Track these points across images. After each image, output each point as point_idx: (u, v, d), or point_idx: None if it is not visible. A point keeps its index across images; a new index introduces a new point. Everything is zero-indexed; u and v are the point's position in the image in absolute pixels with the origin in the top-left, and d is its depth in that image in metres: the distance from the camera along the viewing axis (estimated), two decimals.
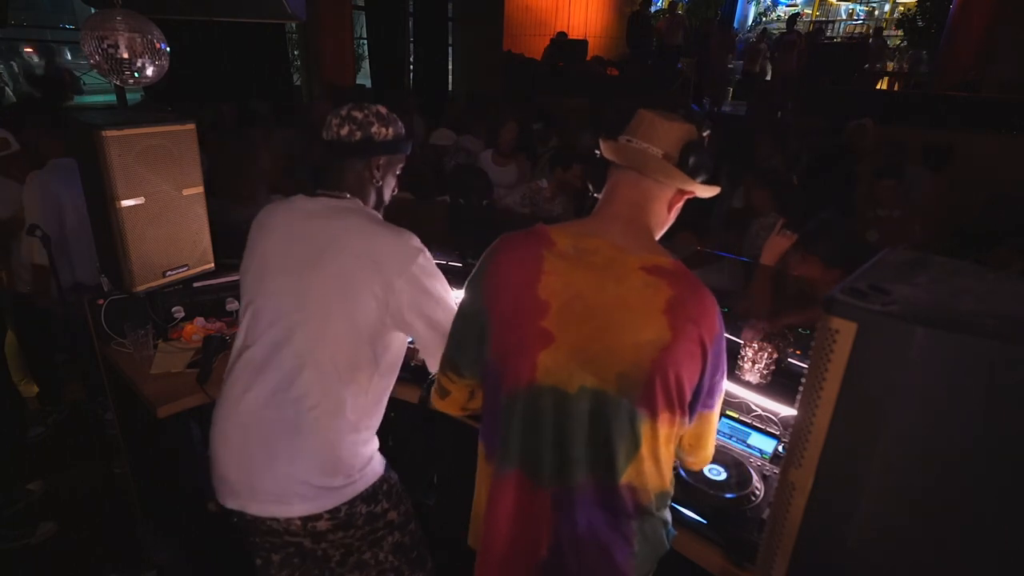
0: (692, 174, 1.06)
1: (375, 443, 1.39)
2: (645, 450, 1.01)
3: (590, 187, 1.19)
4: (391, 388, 1.39)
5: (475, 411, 1.23)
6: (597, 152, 1.14)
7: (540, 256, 1.04)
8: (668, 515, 1.14)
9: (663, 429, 1.01)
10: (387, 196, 1.45)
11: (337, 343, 1.24)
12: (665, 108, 1.10)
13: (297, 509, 1.25)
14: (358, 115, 1.33)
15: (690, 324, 0.97)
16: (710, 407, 1.09)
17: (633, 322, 0.98)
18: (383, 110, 1.38)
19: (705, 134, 1.08)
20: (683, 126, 1.06)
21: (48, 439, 3.04)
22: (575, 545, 1.05)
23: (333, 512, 1.28)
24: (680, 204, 1.12)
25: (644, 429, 1.00)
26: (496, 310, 1.06)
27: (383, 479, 1.37)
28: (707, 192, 1.11)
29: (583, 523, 1.04)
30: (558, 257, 1.04)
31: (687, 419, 1.06)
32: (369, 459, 1.34)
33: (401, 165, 1.45)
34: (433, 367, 1.32)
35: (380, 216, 1.39)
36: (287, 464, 1.24)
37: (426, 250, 1.29)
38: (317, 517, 1.27)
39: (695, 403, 1.05)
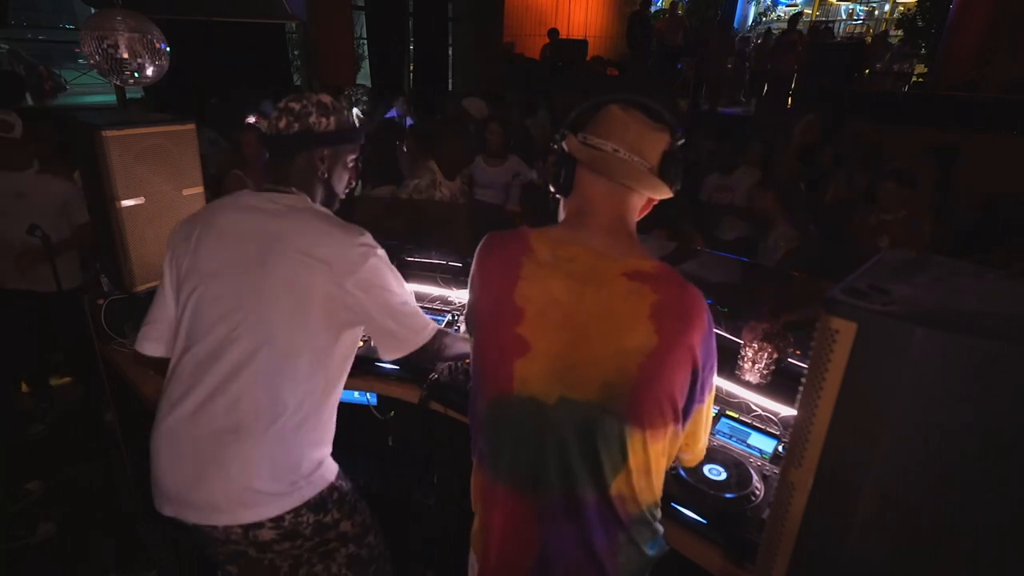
0: (672, 184, 1.04)
1: (325, 448, 1.33)
2: (634, 463, 0.98)
3: (551, 188, 1.11)
4: (341, 388, 1.35)
5: None
6: (556, 146, 1.08)
7: (519, 262, 1.02)
8: (660, 526, 1.10)
9: (655, 443, 0.98)
10: (339, 189, 1.40)
11: (282, 344, 1.20)
12: (640, 106, 1.03)
13: (237, 516, 1.19)
14: (295, 106, 1.29)
15: (678, 328, 0.95)
16: (701, 401, 1.06)
17: (617, 329, 0.95)
18: (326, 99, 1.32)
19: (679, 142, 1.05)
20: (664, 135, 1.03)
21: (48, 438, 3.04)
22: (562, 558, 1.03)
23: (276, 520, 1.21)
24: (650, 207, 1.10)
25: (633, 442, 0.97)
26: (479, 312, 1.07)
27: (333, 487, 1.30)
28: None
29: (570, 536, 1.02)
30: (536, 264, 1.02)
31: (680, 425, 1.02)
32: (317, 464, 1.28)
33: (353, 156, 1.39)
34: (387, 354, 1.32)
35: (330, 212, 1.34)
36: (226, 469, 1.17)
37: (378, 247, 1.26)
38: (259, 525, 1.20)
39: (689, 407, 1.03)
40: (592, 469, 0.98)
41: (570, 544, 1.03)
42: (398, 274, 1.30)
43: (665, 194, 1.05)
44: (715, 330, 1.04)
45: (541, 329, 0.99)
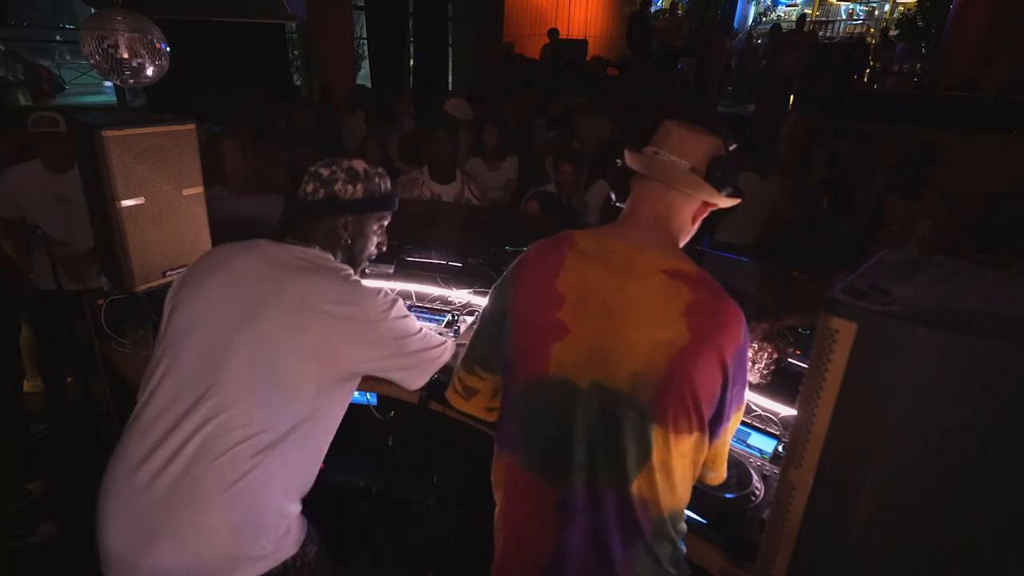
0: (719, 187, 1.06)
1: (295, 509, 1.23)
2: (656, 460, 0.98)
3: (612, 196, 1.19)
4: (327, 444, 1.28)
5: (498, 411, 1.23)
6: (619, 161, 1.14)
7: (563, 254, 1.07)
8: (683, 546, 1.08)
9: (678, 442, 0.98)
10: (364, 253, 1.38)
11: (278, 403, 1.13)
12: (690, 118, 1.10)
13: None
14: (324, 172, 1.28)
15: (711, 331, 0.96)
16: (728, 419, 1.06)
17: (650, 321, 0.97)
18: (358, 166, 1.30)
19: (732, 147, 1.08)
20: (710, 139, 1.06)
21: (49, 437, 3.04)
22: (578, 557, 1.03)
23: None
24: (704, 215, 1.12)
25: (656, 437, 0.97)
26: (517, 303, 1.09)
27: (297, 556, 1.20)
28: (730, 203, 1.11)
29: (587, 532, 1.02)
30: (578, 255, 1.06)
31: (707, 436, 1.02)
32: (285, 530, 1.18)
33: (384, 222, 1.38)
34: (415, 386, 1.34)
35: (351, 271, 1.29)
36: (180, 534, 1.07)
37: (397, 300, 1.25)
38: None
39: (717, 421, 1.03)
40: (615, 460, 0.99)
41: (586, 541, 1.03)
42: (408, 312, 1.30)
43: (712, 196, 1.07)
44: None
45: (580, 316, 1.01)
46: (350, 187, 1.29)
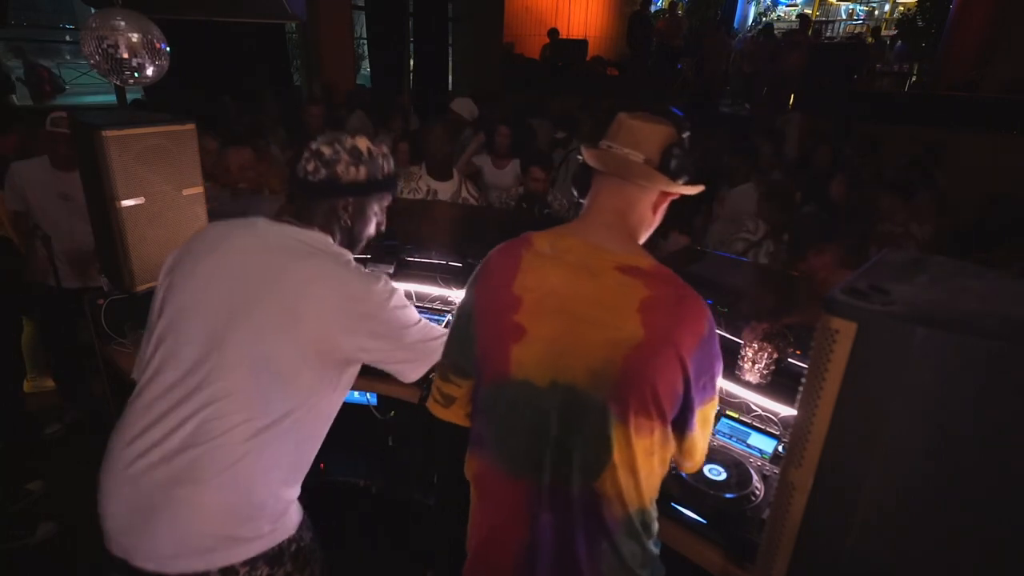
0: (674, 176, 1.05)
1: (293, 493, 1.22)
2: (618, 457, 0.97)
3: (574, 192, 1.18)
4: (326, 428, 1.27)
5: None
6: (580, 157, 1.13)
7: (519, 256, 1.06)
8: (654, 548, 1.07)
9: (639, 440, 0.98)
10: (363, 235, 1.35)
11: (276, 389, 1.12)
12: (645, 110, 1.09)
13: (188, 564, 1.09)
14: (326, 151, 1.24)
15: (667, 328, 0.95)
16: (693, 412, 1.03)
17: (606, 319, 0.97)
18: (362, 145, 1.27)
19: (685, 135, 1.07)
20: (663, 129, 1.05)
21: (63, 438, 3.04)
22: (546, 556, 1.03)
23: (226, 570, 1.11)
24: (665, 205, 1.11)
25: (616, 434, 0.97)
26: (478, 308, 1.09)
27: (293, 539, 1.20)
28: (691, 191, 1.09)
29: (554, 531, 1.02)
30: (535, 256, 1.05)
31: (670, 432, 1.02)
32: (281, 512, 1.18)
33: (385, 203, 1.36)
34: (412, 378, 1.31)
35: (350, 255, 1.27)
36: (178, 514, 1.08)
37: (396, 290, 1.24)
38: (207, 574, 1.11)
39: (685, 416, 1.02)
40: (579, 459, 0.99)
41: (554, 540, 1.03)
42: (407, 302, 1.28)
43: (669, 186, 1.06)
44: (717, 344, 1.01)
45: (538, 316, 1.01)
46: (353, 169, 1.25)
